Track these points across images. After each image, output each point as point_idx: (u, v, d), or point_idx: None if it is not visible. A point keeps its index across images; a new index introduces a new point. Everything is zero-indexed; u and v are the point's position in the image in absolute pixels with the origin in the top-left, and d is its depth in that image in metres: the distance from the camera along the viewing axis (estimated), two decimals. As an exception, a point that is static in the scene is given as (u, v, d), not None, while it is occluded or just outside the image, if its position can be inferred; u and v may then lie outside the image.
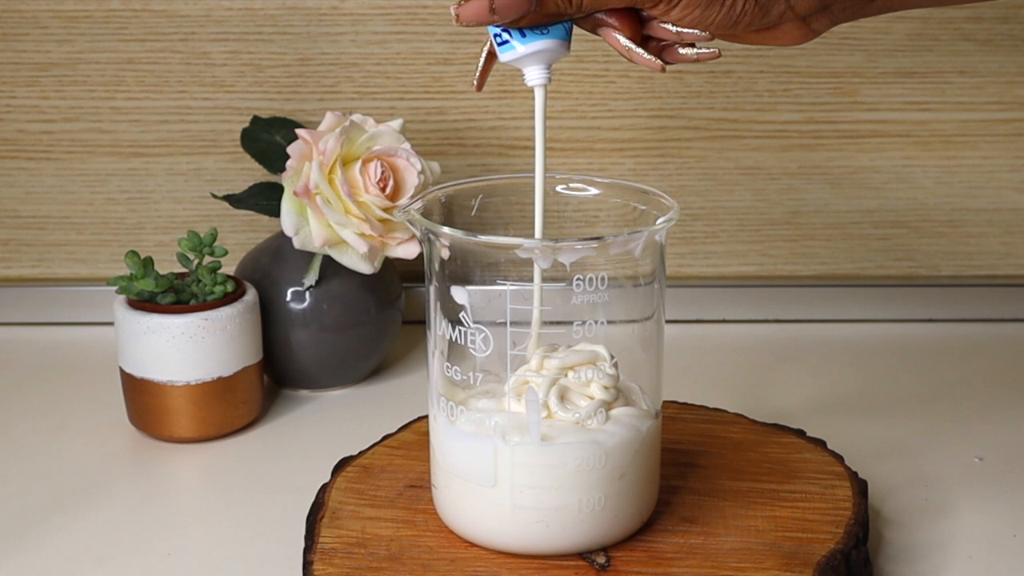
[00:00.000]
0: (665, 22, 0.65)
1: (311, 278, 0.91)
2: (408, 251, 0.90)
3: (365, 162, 0.88)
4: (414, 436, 0.81)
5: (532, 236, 0.68)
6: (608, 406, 0.68)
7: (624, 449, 0.68)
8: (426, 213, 0.69)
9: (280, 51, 1.04)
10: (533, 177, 0.69)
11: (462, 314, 0.67)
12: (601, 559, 0.68)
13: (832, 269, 1.10)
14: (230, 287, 0.87)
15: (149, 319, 0.84)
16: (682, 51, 0.66)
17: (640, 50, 0.65)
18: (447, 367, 0.69)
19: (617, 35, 0.65)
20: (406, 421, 0.84)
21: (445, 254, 0.68)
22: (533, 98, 0.67)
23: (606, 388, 0.68)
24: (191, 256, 0.88)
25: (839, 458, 0.78)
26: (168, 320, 0.84)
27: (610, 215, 0.72)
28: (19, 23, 1.03)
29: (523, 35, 0.64)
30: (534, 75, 0.66)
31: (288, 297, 0.92)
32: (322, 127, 0.89)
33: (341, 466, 0.78)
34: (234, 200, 0.94)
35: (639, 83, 1.05)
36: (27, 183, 1.07)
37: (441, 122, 1.05)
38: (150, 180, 1.07)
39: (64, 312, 1.07)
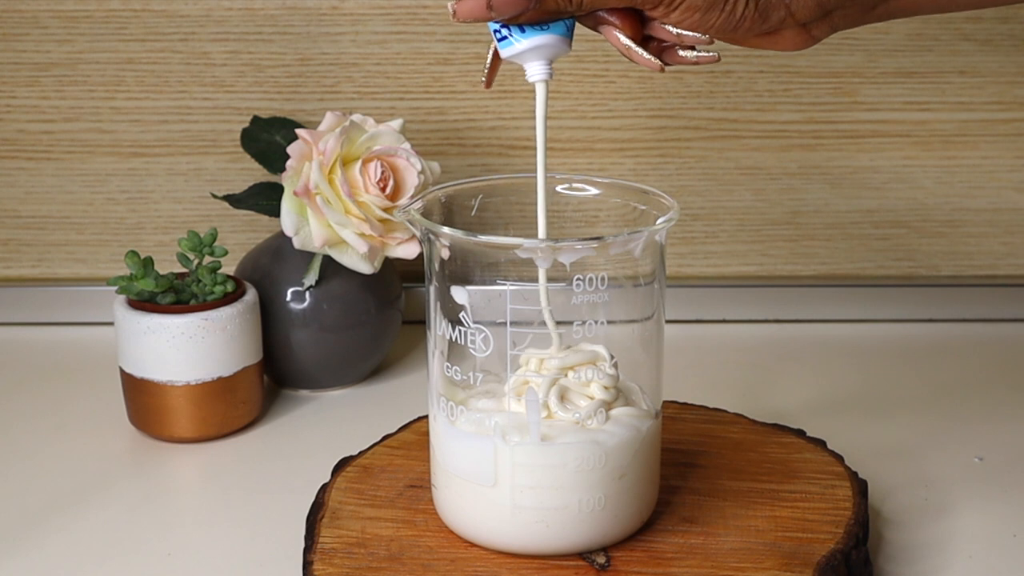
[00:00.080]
0: (666, 23, 0.65)
1: (311, 278, 0.91)
2: (408, 251, 0.90)
3: (365, 162, 0.88)
4: (414, 436, 0.81)
5: (532, 236, 0.68)
6: (608, 406, 0.68)
7: (624, 449, 0.68)
8: (426, 213, 0.69)
9: (280, 51, 1.04)
10: (534, 176, 0.69)
11: (462, 314, 0.67)
12: (601, 559, 0.68)
13: (832, 269, 1.10)
14: (230, 287, 0.87)
15: (149, 319, 0.84)
16: (682, 53, 0.66)
17: (640, 50, 0.65)
18: (447, 367, 0.69)
19: (618, 34, 0.65)
20: (406, 421, 0.84)
21: (445, 254, 0.68)
22: (534, 95, 0.67)
23: (606, 388, 0.68)
24: (191, 256, 0.88)
25: (839, 458, 0.78)
26: (168, 320, 0.84)
27: (610, 215, 0.72)
28: (19, 23, 1.03)
29: (522, 30, 0.64)
30: (535, 71, 0.66)
31: (288, 297, 0.92)
32: (322, 127, 0.89)
33: (341, 466, 0.78)
34: (234, 200, 0.94)
35: (639, 83, 1.05)
36: (27, 183, 1.07)
37: (441, 122, 1.05)
38: (150, 180, 1.07)
39: (64, 312, 1.07)
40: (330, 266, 0.92)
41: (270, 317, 0.92)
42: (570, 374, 0.68)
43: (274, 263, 0.93)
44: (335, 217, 0.87)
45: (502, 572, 0.68)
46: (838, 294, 1.08)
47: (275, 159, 0.94)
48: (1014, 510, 0.78)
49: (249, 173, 1.04)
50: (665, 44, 0.66)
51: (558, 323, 0.68)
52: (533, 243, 0.66)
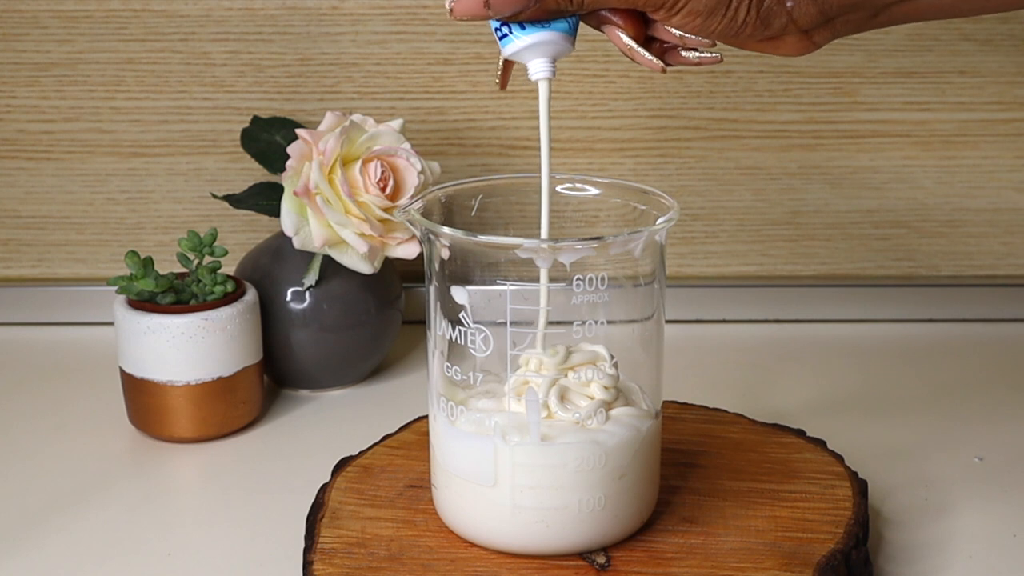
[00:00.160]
0: (668, 27, 0.65)
1: (311, 278, 0.91)
2: (408, 251, 0.90)
3: (365, 162, 0.88)
4: (414, 436, 0.81)
5: (532, 236, 0.68)
6: (608, 406, 0.68)
7: (624, 449, 0.68)
8: (426, 213, 0.69)
9: (280, 51, 1.04)
10: (534, 176, 0.69)
11: (462, 314, 0.67)
12: (601, 559, 0.68)
13: (832, 269, 1.10)
14: (230, 287, 0.87)
15: (149, 319, 0.84)
16: (684, 54, 0.66)
17: (642, 50, 0.65)
18: (447, 367, 0.69)
19: (620, 34, 0.65)
20: (406, 421, 0.84)
21: (445, 254, 0.68)
22: (536, 95, 0.67)
23: (606, 388, 0.68)
24: (191, 256, 0.88)
25: (839, 458, 0.78)
26: (168, 320, 0.84)
27: (610, 215, 0.72)
28: (19, 23, 1.03)
29: (523, 27, 0.64)
30: (536, 69, 0.66)
31: (288, 297, 0.92)
32: (322, 127, 0.89)
33: (341, 466, 0.78)
34: (234, 200, 0.94)
35: (639, 83, 1.05)
36: (27, 183, 1.07)
37: (441, 122, 1.05)
38: (150, 180, 1.07)
39: (64, 312, 1.07)
40: (330, 266, 0.92)
41: (270, 317, 0.92)
42: (570, 374, 0.68)
43: (274, 263, 0.93)
44: (335, 217, 0.87)
45: (502, 572, 0.68)
46: (838, 294, 1.08)
47: (275, 159, 0.94)
48: (1014, 510, 0.78)
49: (249, 173, 1.04)
50: (667, 45, 0.66)
51: (558, 323, 0.68)
52: (533, 243, 0.66)
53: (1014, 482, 0.81)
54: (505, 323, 0.66)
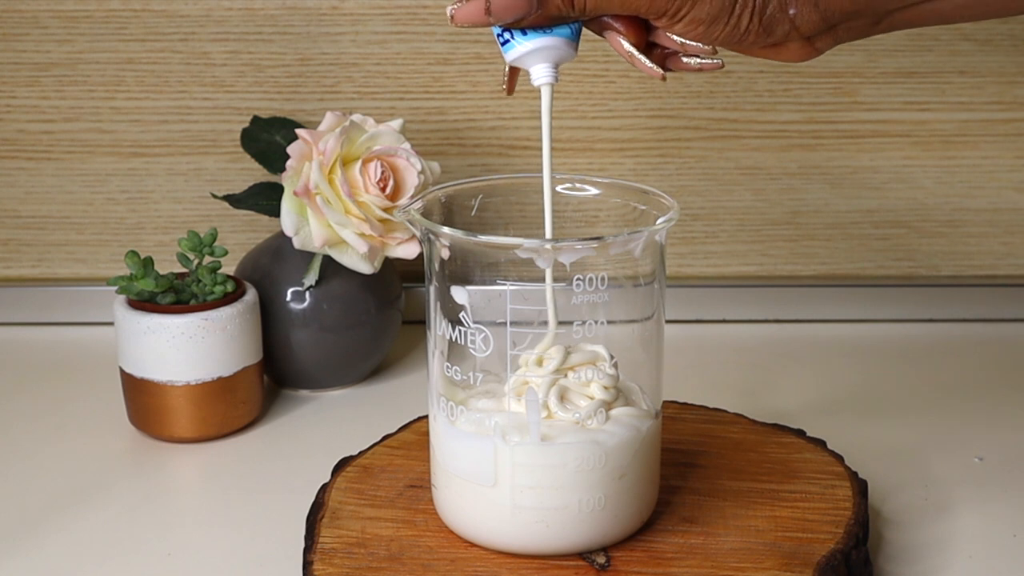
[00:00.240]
0: (670, 34, 0.65)
1: (311, 278, 0.91)
2: (408, 251, 0.90)
3: (365, 162, 0.88)
4: (414, 436, 0.81)
5: (532, 236, 0.68)
6: (608, 406, 0.68)
7: (624, 449, 0.68)
8: (426, 213, 0.69)
9: (280, 51, 1.04)
10: (534, 176, 0.69)
11: (462, 314, 0.67)
12: (601, 559, 0.68)
13: (832, 269, 1.10)
14: (230, 287, 0.87)
15: (149, 319, 0.84)
16: (685, 60, 0.66)
17: (643, 57, 0.65)
18: (447, 367, 0.69)
19: (621, 40, 0.65)
20: (406, 421, 0.84)
21: (445, 254, 0.68)
22: (539, 98, 0.67)
23: (606, 388, 0.68)
24: (191, 256, 0.88)
25: (839, 458, 0.78)
26: (168, 320, 0.84)
27: (610, 215, 0.72)
28: (19, 23, 1.03)
29: (524, 33, 0.64)
30: (539, 74, 0.66)
31: (288, 297, 0.92)
32: (322, 127, 0.89)
33: (341, 466, 0.78)
34: (234, 200, 0.94)
35: (639, 83, 1.05)
36: (27, 183, 1.07)
37: (441, 122, 1.05)
38: (150, 180, 1.07)
39: (64, 312, 1.07)
40: (330, 266, 0.92)
41: (270, 317, 0.92)
42: (570, 374, 0.68)
43: (274, 263, 0.93)
44: (335, 217, 0.87)
45: (502, 572, 0.68)
46: (838, 294, 1.08)
47: (275, 159, 0.94)
48: (1014, 510, 0.78)
49: (249, 173, 1.04)
50: (668, 51, 0.66)
51: (558, 323, 0.68)
52: (533, 243, 0.66)
53: (1014, 482, 0.81)
54: (505, 323, 0.66)
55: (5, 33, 1.04)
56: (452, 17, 0.63)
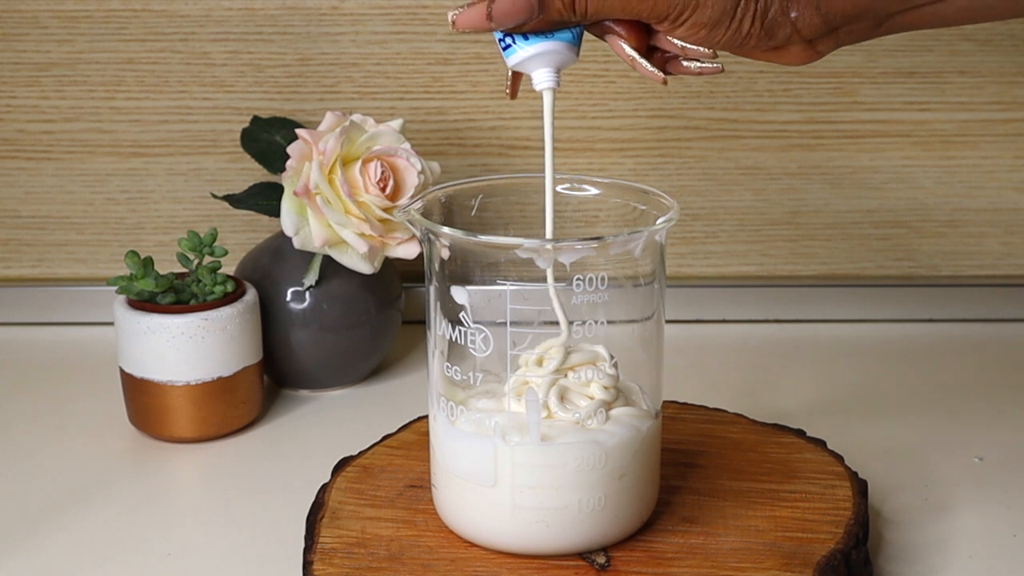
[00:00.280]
0: (672, 38, 0.65)
1: (311, 278, 0.91)
2: (408, 251, 0.90)
3: (365, 162, 0.88)
4: (414, 436, 0.81)
5: (532, 236, 0.68)
6: (608, 406, 0.68)
7: (624, 449, 0.68)
8: (426, 213, 0.69)
9: (280, 51, 1.04)
10: (534, 177, 0.69)
11: (462, 314, 0.67)
12: (601, 559, 0.68)
13: (832, 269, 1.10)
14: (230, 287, 0.87)
15: (149, 319, 0.84)
16: (685, 64, 0.66)
17: (643, 60, 0.65)
18: (447, 367, 0.69)
19: (622, 43, 0.65)
20: (406, 421, 0.84)
21: (445, 254, 0.68)
22: (541, 100, 0.67)
23: (606, 388, 0.68)
24: (191, 256, 0.88)
25: (839, 458, 0.78)
26: (168, 320, 0.84)
27: (610, 215, 0.72)
28: (19, 23, 1.03)
29: (526, 38, 0.64)
30: (541, 78, 0.66)
31: (288, 297, 0.92)
32: (322, 127, 0.89)
33: (341, 466, 0.78)
34: (234, 200, 0.94)
35: (639, 83, 1.05)
36: (27, 183, 1.07)
37: (441, 122, 1.05)
38: (150, 180, 1.07)
39: (64, 312, 1.07)
40: (330, 266, 0.92)
41: (270, 317, 0.92)
42: (570, 374, 0.68)
43: (274, 263, 0.93)
44: (335, 217, 0.87)
45: (502, 572, 0.68)
46: (838, 294, 1.08)
47: (275, 159, 0.94)
48: (1014, 510, 0.78)
49: (249, 173, 1.04)
50: (668, 55, 0.66)
51: (558, 323, 0.68)
52: (533, 243, 0.66)
53: (1014, 482, 0.81)
54: (505, 323, 0.66)
55: (5, 33, 1.04)
56: (454, 23, 0.63)
